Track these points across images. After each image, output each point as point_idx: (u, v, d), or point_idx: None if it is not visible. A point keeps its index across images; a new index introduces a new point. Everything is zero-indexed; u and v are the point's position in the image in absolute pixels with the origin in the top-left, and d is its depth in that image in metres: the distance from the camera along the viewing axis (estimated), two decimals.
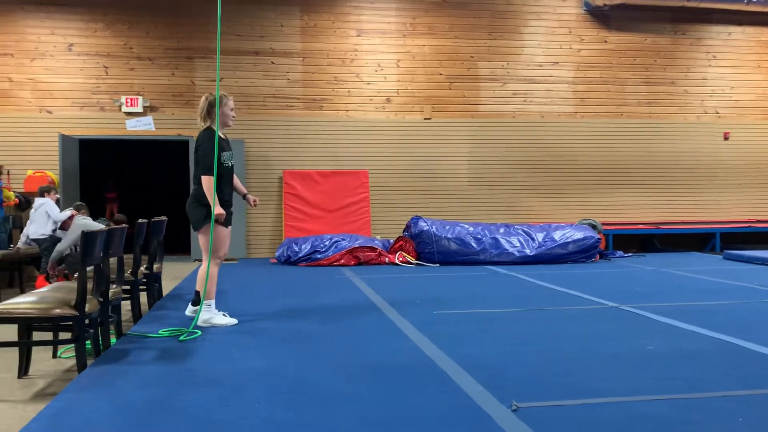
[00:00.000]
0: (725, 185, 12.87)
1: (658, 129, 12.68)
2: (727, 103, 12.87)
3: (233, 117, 5.29)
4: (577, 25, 12.46)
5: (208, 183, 5.04)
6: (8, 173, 10.53)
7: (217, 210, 5.05)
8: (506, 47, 12.26)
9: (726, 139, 12.85)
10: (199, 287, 5.22)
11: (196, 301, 5.28)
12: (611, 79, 12.52)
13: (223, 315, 5.21)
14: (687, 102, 12.77)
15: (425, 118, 12.02)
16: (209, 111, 5.14)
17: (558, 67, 12.38)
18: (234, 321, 5.23)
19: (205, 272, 5.13)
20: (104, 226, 6.63)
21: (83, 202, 7.57)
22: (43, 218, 7.73)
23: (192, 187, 5.32)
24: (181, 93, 11.34)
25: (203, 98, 5.22)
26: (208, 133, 5.13)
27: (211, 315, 5.12)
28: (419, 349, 4.33)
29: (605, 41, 12.53)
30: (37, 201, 7.94)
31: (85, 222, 6.74)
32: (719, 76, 12.85)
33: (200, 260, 5.45)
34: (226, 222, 5.23)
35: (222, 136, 5.23)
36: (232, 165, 5.29)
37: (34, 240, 7.77)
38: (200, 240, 5.21)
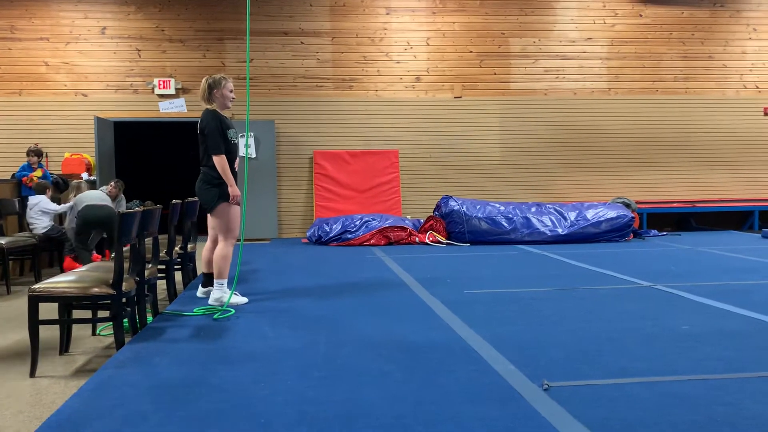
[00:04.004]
0: (765, 162, 12.53)
1: (695, 105, 12.37)
2: (767, 78, 12.49)
3: (232, 99, 5.36)
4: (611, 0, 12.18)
5: (221, 162, 5.09)
6: (46, 156, 10.76)
7: (235, 191, 5.14)
8: (538, 23, 12.04)
9: (766, 114, 12.48)
10: (215, 269, 5.25)
11: (207, 283, 5.45)
12: (646, 54, 12.23)
13: (235, 294, 5.25)
14: (725, 77, 12.41)
15: (455, 97, 11.92)
16: (209, 93, 5.23)
17: (591, 42, 12.12)
18: (245, 300, 5.30)
19: (222, 253, 5.19)
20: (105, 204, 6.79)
21: (119, 179, 7.66)
22: (41, 216, 7.56)
23: (201, 169, 5.25)
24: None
25: (203, 80, 5.33)
26: (212, 112, 5.21)
27: (222, 294, 5.17)
28: (450, 328, 4.34)
29: (640, 15, 12.22)
30: (32, 200, 7.62)
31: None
32: (759, 49, 12.45)
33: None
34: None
35: (224, 115, 5.32)
36: (237, 142, 5.33)
37: (44, 234, 7.58)
38: (215, 222, 5.26)
